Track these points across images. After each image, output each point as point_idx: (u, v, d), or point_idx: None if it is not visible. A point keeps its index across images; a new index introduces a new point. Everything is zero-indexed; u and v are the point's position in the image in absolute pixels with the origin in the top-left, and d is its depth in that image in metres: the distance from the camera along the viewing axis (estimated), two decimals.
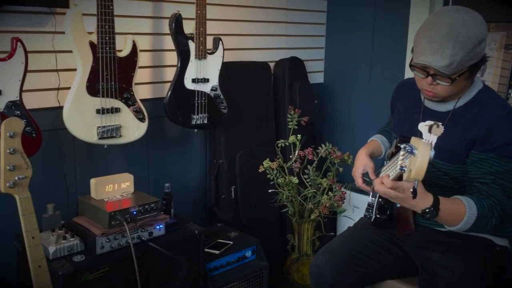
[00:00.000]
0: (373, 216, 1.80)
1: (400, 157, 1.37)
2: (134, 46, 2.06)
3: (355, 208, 2.66)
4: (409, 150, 1.29)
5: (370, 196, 1.86)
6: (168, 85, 2.26)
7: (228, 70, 2.45)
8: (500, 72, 2.59)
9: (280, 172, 2.57)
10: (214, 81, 2.34)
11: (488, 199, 1.53)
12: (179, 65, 2.23)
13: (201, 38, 2.23)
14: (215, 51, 2.33)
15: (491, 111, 1.58)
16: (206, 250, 2.21)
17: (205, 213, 2.76)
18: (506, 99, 2.47)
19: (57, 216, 1.99)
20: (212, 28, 2.43)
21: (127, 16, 2.23)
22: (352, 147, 2.33)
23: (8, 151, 1.48)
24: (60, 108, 1.99)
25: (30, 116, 1.83)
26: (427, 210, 1.46)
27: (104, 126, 2.01)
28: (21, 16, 1.94)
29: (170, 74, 2.38)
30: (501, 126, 1.54)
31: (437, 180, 1.66)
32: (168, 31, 2.22)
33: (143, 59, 2.28)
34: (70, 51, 1.93)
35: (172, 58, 2.34)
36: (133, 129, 2.11)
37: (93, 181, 1.97)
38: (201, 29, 2.21)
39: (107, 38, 1.94)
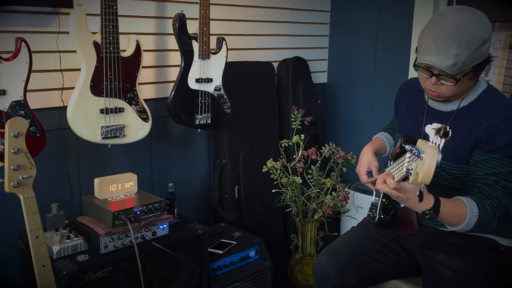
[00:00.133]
0: (377, 217, 1.79)
1: (407, 159, 1.36)
2: (138, 46, 2.06)
3: (359, 208, 2.65)
4: (416, 153, 1.29)
5: (374, 196, 1.86)
6: (172, 85, 2.26)
7: (231, 70, 2.44)
8: (504, 72, 2.58)
9: (284, 172, 2.57)
10: (218, 81, 2.34)
11: (491, 200, 1.52)
12: (182, 65, 2.23)
13: (205, 38, 2.23)
14: (219, 51, 2.33)
15: (495, 112, 1.57)
16: (209, 250, 2.21)
17: (209, 213, 2.76)
18: (510, 99, 2.46)
19: (61, 215, 1.99)
20: (215, 28, 2.43)
21: (131, 16, 2.24)
22: (356, 147, 2.32)
23: (12, 150, 1.48)
24: (64, 108, 1.99)
25: (34, 116, 1.83)
26: (427, 212, 1.46)
27: (108, 126, 2.02)
28: (25, 16, 1.95)
29: (173, 74, 2.38)
30: (505, 127, 1.54)
31: (441, 180, 1.65)
32: (171, 31, 2.22)
33: (147, 59, 2.28)
34: (74, 51, 1.94)
35: (175, 58, 2.34)
36: (136, 129, 2.11)
37: (97, 180, 1.98)
38: (205, 29, 2.22)
39: (111, 38, 1.94)
